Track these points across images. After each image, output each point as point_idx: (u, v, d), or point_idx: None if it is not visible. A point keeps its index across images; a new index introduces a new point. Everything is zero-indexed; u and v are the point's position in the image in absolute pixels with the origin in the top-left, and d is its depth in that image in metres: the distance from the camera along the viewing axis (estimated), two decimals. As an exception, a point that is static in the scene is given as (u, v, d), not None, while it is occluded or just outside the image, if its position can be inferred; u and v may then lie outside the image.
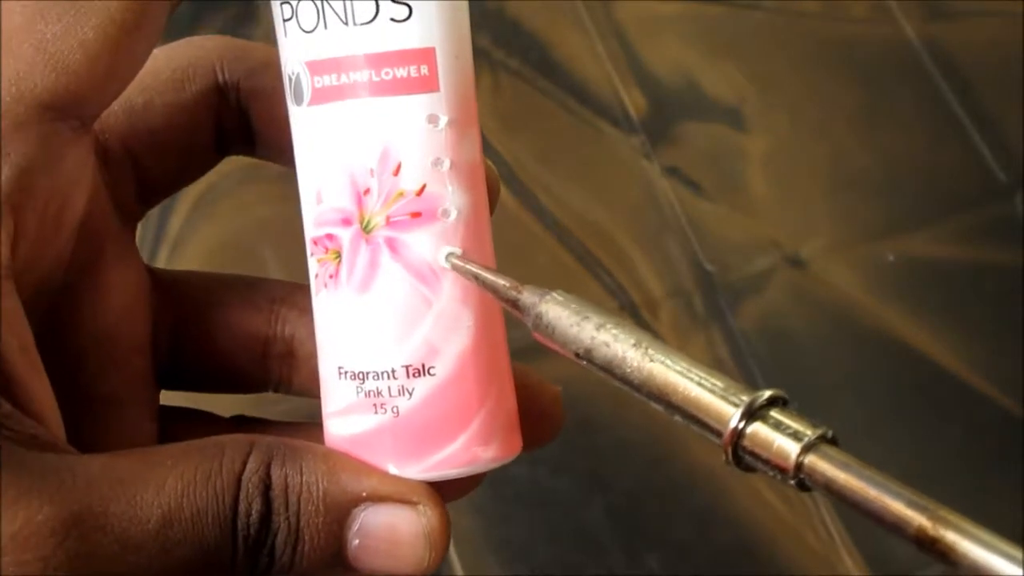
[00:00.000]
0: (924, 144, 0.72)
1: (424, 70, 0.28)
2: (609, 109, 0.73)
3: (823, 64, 0.75)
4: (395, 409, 0.28)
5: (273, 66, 0.29)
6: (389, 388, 0.28)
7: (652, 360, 0.25)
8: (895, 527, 0.22)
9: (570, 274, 0.68)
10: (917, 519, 0.22)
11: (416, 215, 0.28)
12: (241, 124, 0.32)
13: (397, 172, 0.28)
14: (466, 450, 0.28)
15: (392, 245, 0.28)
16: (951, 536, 0.21)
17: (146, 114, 0.31)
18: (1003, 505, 0.60)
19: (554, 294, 0.27)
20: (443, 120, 0.28)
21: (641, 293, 0.67)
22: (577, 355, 0.26)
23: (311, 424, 0.31)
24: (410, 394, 0.28)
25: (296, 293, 0.33)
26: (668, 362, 0.25)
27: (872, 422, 0.64)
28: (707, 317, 0.67)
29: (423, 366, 0.28)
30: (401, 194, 0.28)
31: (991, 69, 0.74)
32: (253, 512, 0.26)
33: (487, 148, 0.76)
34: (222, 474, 0.26)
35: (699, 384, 0.25)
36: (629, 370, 0.26)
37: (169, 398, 0.34)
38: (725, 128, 0.73)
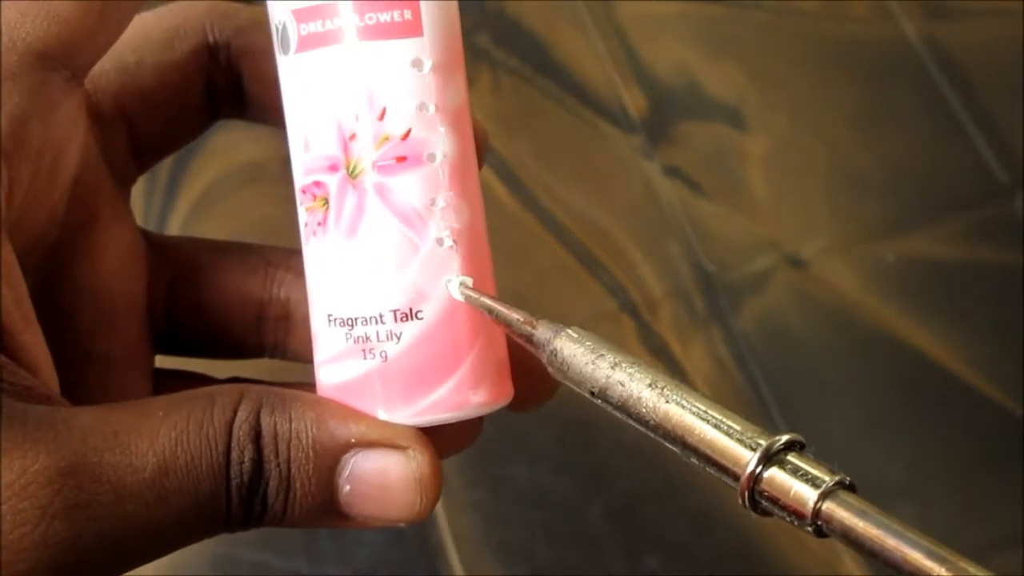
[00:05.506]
0: (924, 144, 0.72)
1: (407, 15, 0.28)
2: (609, 109, 0.73)
3: (823, 64, 0.75)
4: (383, 354, 0.28)
5: (261, 25, 0.30)
6: (377, 333, 0.28)
7: (668, 401, 0.25)
8: (913, 579, 0.21)
9: (570, 274, 0.68)
10: (936, 570, 0.21)
11: (402, 159, 0.28)
12: (232, 84, 0.33)
13: (382, 117, 0.28)
14: (455, 394, 0.28)
15: (378, 189, 0.28)
16: None
17: (138, 73, 0.31)
18: (1003, 505, 0.60)
19: (569, 330, 0.27)
20: (427, 65, 0.28)
21: (641, 293, 0.67)
22: (592, 393, 0.26)
23: (306, 384, 0.30)
24: (398, 338, 0.28)
25: (292, 257, 0.33)
26: (684, 403, 0.25)
27: (872, 422, 0.64)
28: (707, 317, 0.67)
29: (411, 310, 0.28)
30: (386, 138, 0.28)
31: (991, 69, 0.74)
32: (246, 459, 0.26)
33: (486, 147, 0.75)
34: (213, 422, 0.26)
35: (716, 426, 0.25)
36: (644, 410, 0.25)
37: (166, 365, 0.34)
38: (725, 128, 0.73)
